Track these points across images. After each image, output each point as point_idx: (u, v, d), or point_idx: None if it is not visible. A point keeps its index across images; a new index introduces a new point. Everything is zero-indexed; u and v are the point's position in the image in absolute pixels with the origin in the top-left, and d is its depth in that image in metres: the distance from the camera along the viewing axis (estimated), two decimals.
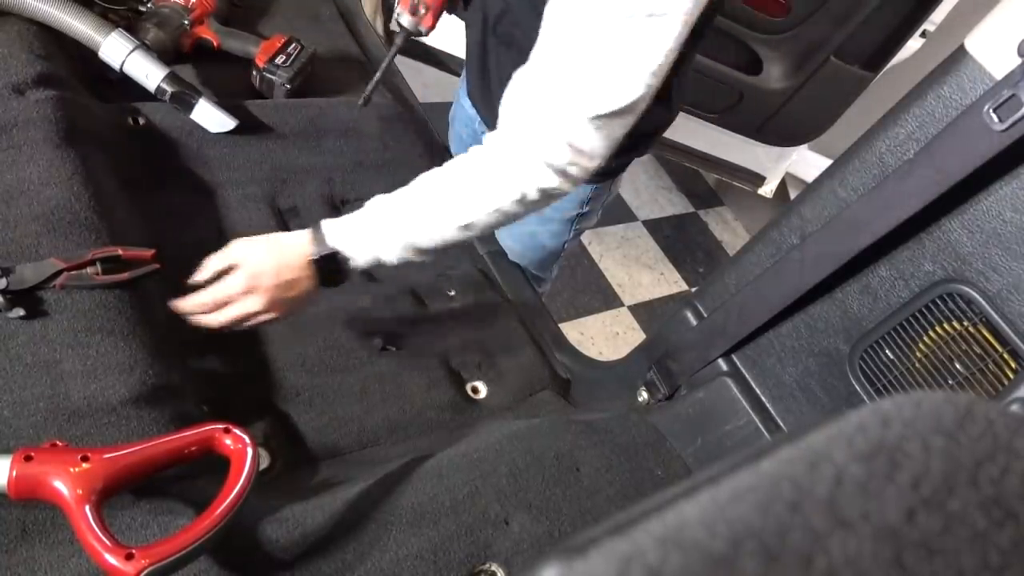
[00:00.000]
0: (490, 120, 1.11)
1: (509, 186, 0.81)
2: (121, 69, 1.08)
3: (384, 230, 0.87)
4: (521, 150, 0.81)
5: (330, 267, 0.87)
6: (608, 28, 0.73)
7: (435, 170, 0.87)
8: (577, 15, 0.75)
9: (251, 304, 0.85)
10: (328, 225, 0.87)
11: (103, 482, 0.65)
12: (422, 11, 1.03)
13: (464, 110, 1.32)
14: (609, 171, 1.20)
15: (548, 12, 0.78)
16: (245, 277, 0.84)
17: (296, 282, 0.86)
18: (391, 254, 0.88)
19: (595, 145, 0.79)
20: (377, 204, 0.88)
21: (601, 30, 0.73)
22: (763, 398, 1.05)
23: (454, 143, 1.44)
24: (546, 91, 0.78)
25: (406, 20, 1.04)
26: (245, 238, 0.88)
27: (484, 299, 1.22)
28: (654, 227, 2.78)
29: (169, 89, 1.09)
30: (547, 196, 0.83)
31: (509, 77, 0.86)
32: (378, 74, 1.09)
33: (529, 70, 0.81)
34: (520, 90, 0.82)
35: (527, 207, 0.84)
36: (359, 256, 0.87)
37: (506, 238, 1.34)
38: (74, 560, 0.66)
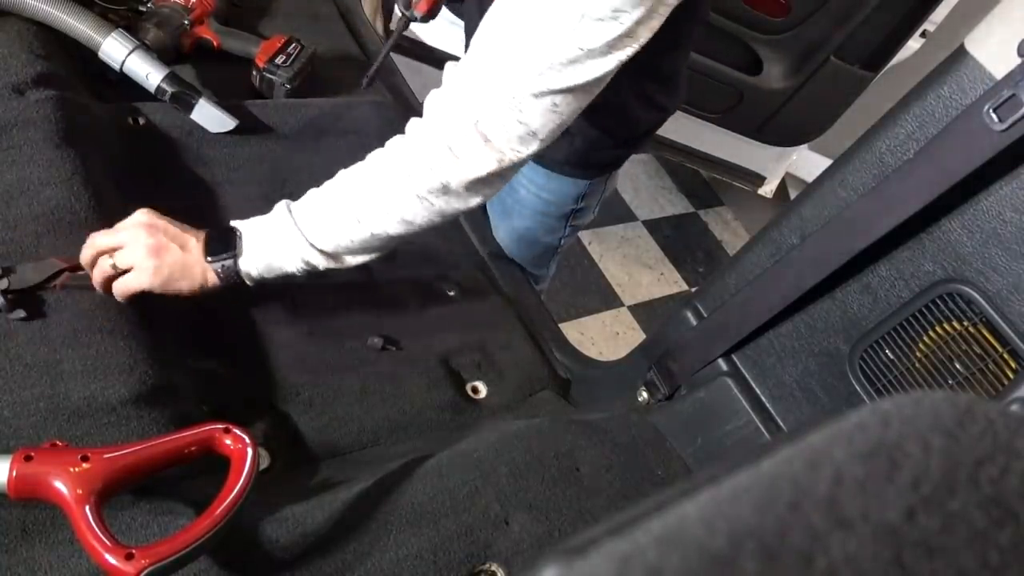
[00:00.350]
0: None
1: (421, 173, 0.76)
2: (121, 69, 1.08)
3: (284, 233, 0.81)
4: (432, 132, 0.75)
5: (228, 272, 0.82)
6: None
7: (346, 172, 0.83)
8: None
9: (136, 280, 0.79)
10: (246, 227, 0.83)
11: (103, 482, 0.65)
12: None
13: None
14: (603, 165, 1.20)
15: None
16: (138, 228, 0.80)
17: (188, 273, 0.81)
18: (290, 261, 0.82)
19: (551, 117, 0.73)
20: (282, 207, 0.83)
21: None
22: (763, 398, 1.05)
23: None
24: (471, 72, 0.73)
25: (403, 4, 1.03)
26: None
27: (484, 299, 1.22)
28: (654, 227, 2.78)
29: (169, 89, 1.09)
30: (471, 186, 0.77)
31: None
32: (380, 57, 1.08)
33: (479, 46, 0.75)
34: (451, 76, 0.77)
35: (451, 200, 0.78)
36: (251, 265, 0.82)
37: (502, 233, 1.34)
38: (74, 560, 0.66)
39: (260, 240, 0.82)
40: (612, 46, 0.69)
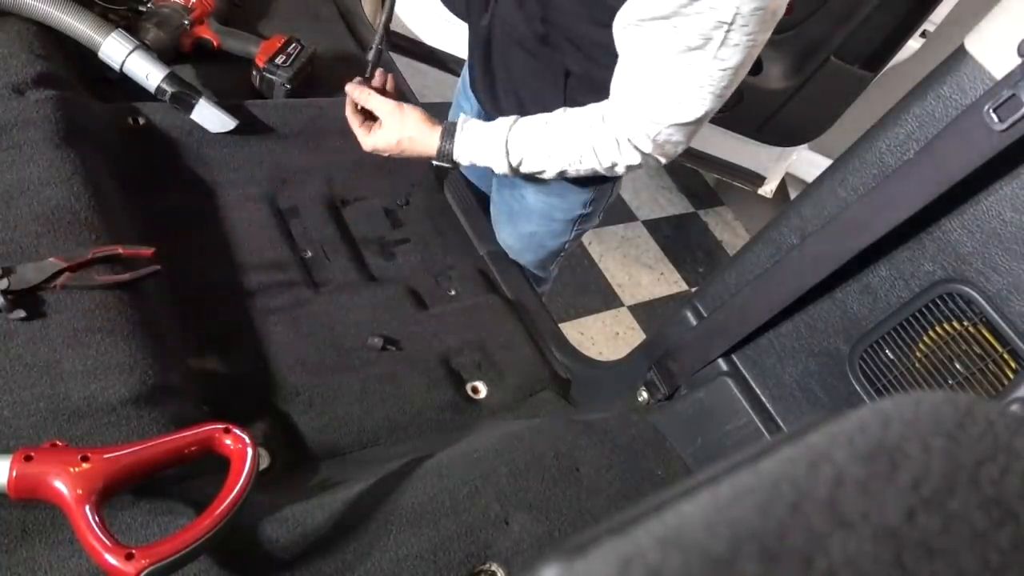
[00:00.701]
0: (494, 113, 1.14)
1: (609, 154, 0.98)
2: (121, 69, 1.08)
3: (497, 150, 1.04)
4: (624, 133, 0.96)
5: (446, 157, 1.07)
6: (673, 57, 0.84)
7: (557, 113, 1.02)
8: (647, 44, 0.86)
9: (377, 139, 1.08)
10: (459, 133, 1.06)
11: (103, 482, 0.65)
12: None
13: (462, 108, 1.32)
14: (607, 176, 1.20)
15: (623, 36, 0.89)
16: (385, 133, 1.07)
17: (413, 152, 1.08)
18: (494, 164, 1.06)
19: (672, 145, 0.96)
20: (504, 128, 1.04)
21: (667, 59, 0.85)
22: (763, 398, 1.05)
23: None
24: (635, 100, 0.93)
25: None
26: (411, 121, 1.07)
27: (484, 299, 1.22)
28: (654, 227, 2.78)
29: (169, 89, 1.09)
30: (629, 169, 1.01)
31: (517, 72, 1.07)
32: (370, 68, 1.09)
33: (622, 79, 0.94)
34: (619, 91, 0.95)
35: (609, 172, 1.02)
36: (464, 158, 1.07)
37: (507, 237, 1.34)
38: (74, 560, 0.66)
39: (473, 141, 1.06)
40: (724, 90, 0.88)
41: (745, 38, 0.80)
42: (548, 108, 1.04)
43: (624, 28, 0.87)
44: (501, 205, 1.34)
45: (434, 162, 1.09)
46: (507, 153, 1.03)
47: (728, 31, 0.79)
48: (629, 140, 0.95)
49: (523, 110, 1.06)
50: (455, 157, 1.06)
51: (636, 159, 0.97)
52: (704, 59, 0.83)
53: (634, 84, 0.92)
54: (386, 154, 1.09)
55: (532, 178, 1.20)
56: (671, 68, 0.86)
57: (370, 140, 1.08)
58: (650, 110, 0.91)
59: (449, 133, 1.06)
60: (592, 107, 1.00)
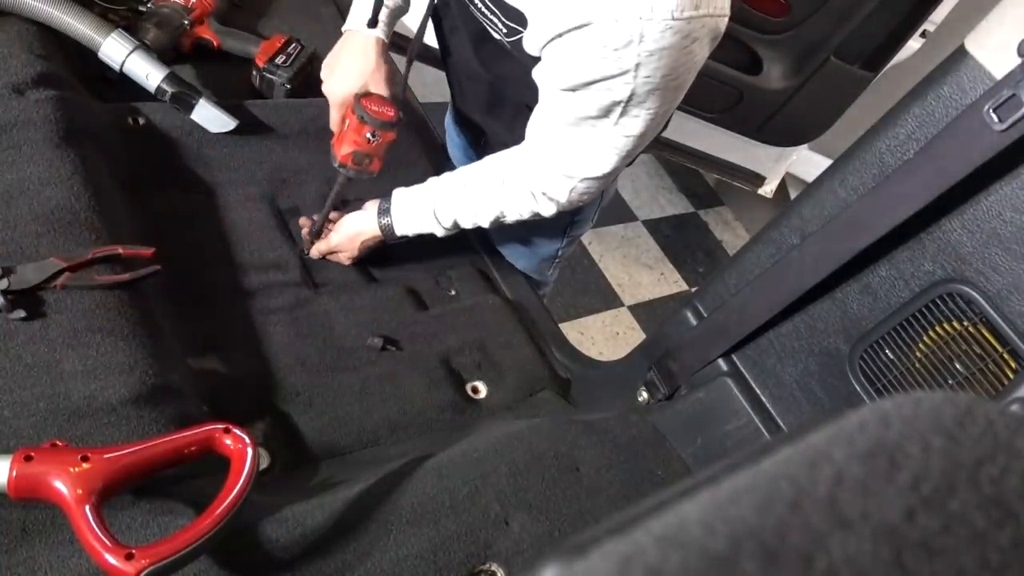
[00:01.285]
0: (464, 133, 1.28)
1: (527, 206, 1.02)
2: (121, 70, 1.08)
3: (429, 211, 1.07)
4: (538, 186, 0.99)
5: (388, 233, 1.10)
6: (579, 122, 0.88)
7: (472, 172, 1.06)
8: (558, 106, 0.89)
9: (342, 257, 1.13)
10: (393, 208, 1.09)
11: (103, 482, 0.65)
12: (366, 162, 1.04)
13: (456, 143, 1.39)
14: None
15: (540, 93, 0.92)
16: (337, 245, 1.11)
17: (367, 243, 1.12)
18: (428, 228, 1.09)
19: (586, 195, 0.99)
20: (433, 188, 1.07)
21: (574, 122, 0.89)
22: (763, 398, 1.05)
23: (450, 146, 1.45)
24: (547, 155, 0.97)
25: (351, 172, 1.03)
26: (350, 217, 1.11)
27: (484, 299, 1.22)
28: (654, 227, 2.78)
29: (169, 89, 1.09)
30: (535, 215, 1.04)
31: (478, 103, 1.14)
32: (328, 203, 1.09)
33: (537, 131, 0.97)
34: (533, 142, 0.99)
35: (520, 218, 1.05)
36: (404, 228, 1.10)
37: (498, 245, 1.34)
38: (74, 560, 0.66)
39: (405, 214, 1.09)
40: (630, 149, 0.91)
41: (645, 112, 0.84)
42: (509, 134, 1.08)
43: (540, 87, 0.91)
44: None
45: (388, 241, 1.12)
46: (438, 221, 1.07)
47: (625, 107, 0.82)
48: (544, 193, 0.99)
49: (485, 135, 1.13)
50: (398, 232, 1.10)
51: (552, 209, 1.01)
52: (606, 127, 0.86)
53: (547, 139, 0.95)
54: (352, 254, 1.13)
55: None
56: (578, 130, 0.89)
57: (324, 247, 1.12)
58: (562, 165, 0.95)
59: (383, 211, 1.09)
60: (499, 163, 1.03)
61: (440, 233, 1.09)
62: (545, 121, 0.94)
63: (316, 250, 1.12)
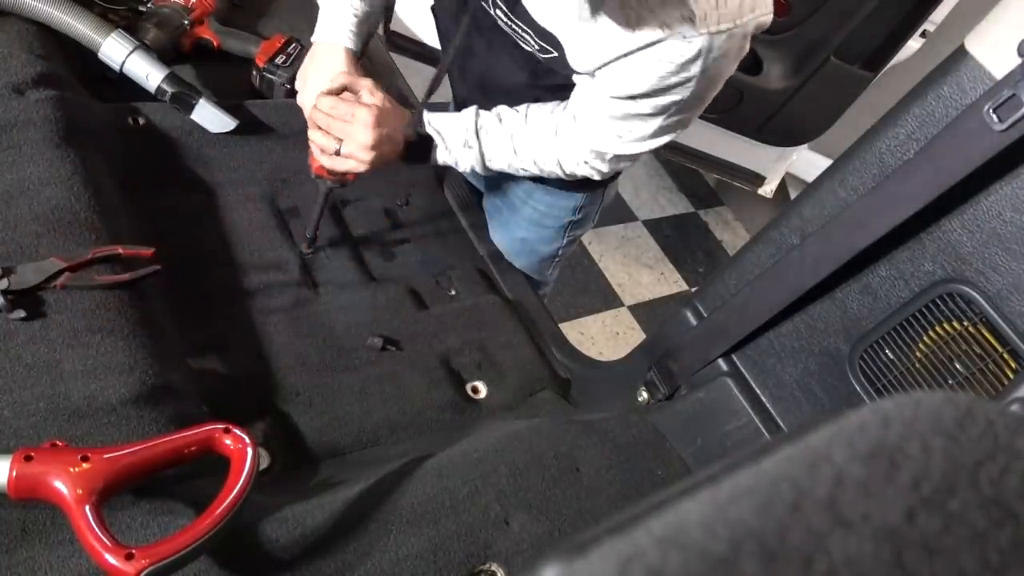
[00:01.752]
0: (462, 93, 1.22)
1: (565, 161, 1.02)
2: (121, 70, 1.08)
3: (464, 145, 1.03)
4: (579, 148, 0.99)
5: (420, 152, 1.04)
6: (628, 120, 0.91)
7: (530, 115, 1.03)
8: (605, 108, 0.92)
9: (353, 138, 0.96)
10: (430, 119, 1.03)
11: (103, 482, 0.65)
12: (349, 178, 1.03)
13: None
14: (601, 181, 1.20)
15: (588, 92, 0.93)
16: (366, 111, 0.95)
17: (391, 143, 0.98)
18: (465, 163, 1.05)
19: (613, 168, 1.02)
20: (469, 119, 1.03)
21: (622, 120, 0.91)
22: (763, 398, 1.05)
23: None
24: (594, 127, 0.96)
25: (327, 184, 1.03)
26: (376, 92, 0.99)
27: (484, 299, 1.22)
28: (654, 227, 2.78)
29: (170, 90, 1.09)
30: (574, 176, 1.04)
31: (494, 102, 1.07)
32: (316, 215, 1.08)
33: (583, 107, 0.97)
34: (578, 114, 0.98)
35: (561, 174, 1.05)
36: (444, 155, 1.04)
37: (499, 242, 1.34)
38: (74, 560, 0.66)
39: (445, 151, 1.04)
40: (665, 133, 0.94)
41: (698, 104, 0.89)
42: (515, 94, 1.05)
43: (589, 90, 0.93)
44: (492, 210, 1.34)
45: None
46: (475, 145, 1.03)
47: (682, 106, 0.87)
48: (584, 161, 1.00)
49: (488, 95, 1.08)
50: (437, 153, 1.04)
51: (587, 172, 1.02)
52: (657, 122, 0.90)
53: (590, 123, 0.96)
54: (364, 158, 0.97)
55: (521, 184, 1.21)
56: (625, 123, 0.92)
57: (357, 138, 0.96)
58: (600, 143, 0.97)
59: (415, 122, 1.02)
60: (551, 116, 1.02)
61: (466, 164, 1.05)
62: (591, 110, 0.95)
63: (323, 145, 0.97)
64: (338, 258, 1.14)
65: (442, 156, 1.05)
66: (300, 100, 1.06)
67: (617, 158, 1.00)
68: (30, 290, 0.79)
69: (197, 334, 0.93)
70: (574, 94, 0.98)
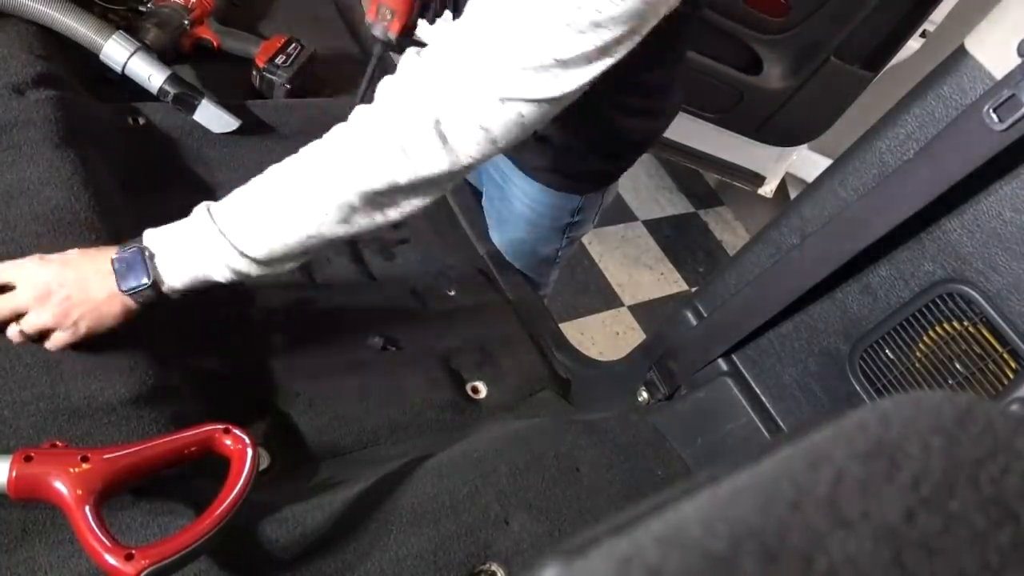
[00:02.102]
0: None
1: (368, 169, 0.70)
2: (123, 71, 1.08)
3: (207, 242, 0.73)
4: (386, 128, 0.69)
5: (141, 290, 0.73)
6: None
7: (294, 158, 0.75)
8: None
9: (37, 319, 0.72)
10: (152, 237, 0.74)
11: (103, 482, 0.65)
12: (388, 16, 0.97)
13: None
14: (595, 179, 1.20)
15: None
16: (29, 288, 0.72)
17: (96, 298, 0.73)
18: (216, 271, 0.74)
19: (513, 127, 0.69)
20: (202, 209, 0.75)
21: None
22: (763, 398, 1.05)
23: None
24: (478, 50, 0.67)
25: (377, 30, 1.01)
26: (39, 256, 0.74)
27: (484, 299, 1.22)
28: (654, 227, 2.78)
29: (172, 91, 1.09)
30: (420, 185, 0.72)
31: None
32: (364, 83, 1.07)
33: (449, 35, 0.70)
34: (412, 66, 0.72)
35: (398, 199, 0.73)
36: (174, 282, 0.74)
37: (498, 243, 1.33)
38: (74, 560, 0.66)
39: (179, 254, 0.74)
40: (587, 59, 0.66)
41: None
42: None
43: None
44: (491, 211, 1.33)
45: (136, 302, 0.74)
46: (232, 246, 0.73)
47: None
48: (440, 121, 0.69)
49: None
50: (167, 280, 0.75)
51: (436, 162, 0.70)
52: None
53: (478, 22, 0.68)
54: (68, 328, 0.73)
55: (519, 184, 1.19)
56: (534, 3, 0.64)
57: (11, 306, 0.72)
58: (499, 60, 0.66)
59: (123, 254, 0.74)
60: (327, 138, 0.74)
61: (254, 272, 0.74)
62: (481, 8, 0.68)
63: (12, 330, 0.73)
64: (338, 258, 1.14)
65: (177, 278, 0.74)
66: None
67: (507, 115, 0.69)
68: None
69: (197, 334, 0.93)
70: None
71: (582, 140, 1.09)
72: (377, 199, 0.73)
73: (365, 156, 0.71)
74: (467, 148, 0.70)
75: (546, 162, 1.11)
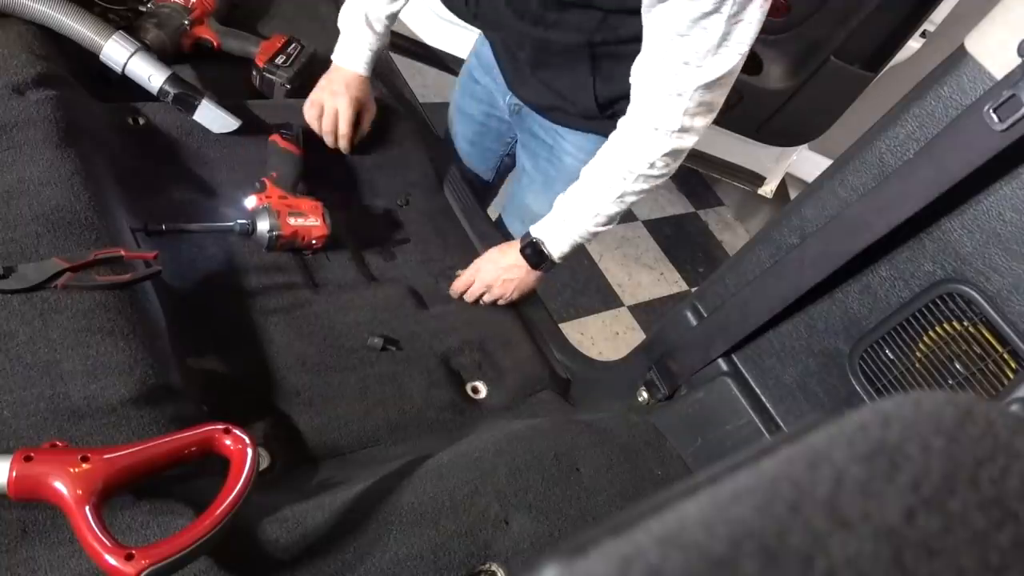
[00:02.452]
0: (534, 105, 1.26)
1: (639, 156, 1.00)
2: (123, 72, 1.08)
3: (564, 221, 1.11)
4: (644, 124, 0.98)
5: (537, 256, 1.15)
6: (691, 28, 0.87)
7: (591, 163, 1.08)
8: (673, 14, 0.88)
9: (495, 293, 1.19)
10: (533, 228, 1.15)
11: (103, 482, 0.65)
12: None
13: (477, 85, 1.38)
14: None
15: (650, 17, 0.91)
16: (481, 284, 1.19)
17: (515, 271, 1.17)
18: (572, 239, 1.12)
19: (690, 118, 0.95)
20: (558, 201, 1.12)
21: (684, 33, 0.88)
22: (763, 398, 1.05)
23: (459, 119, 1.47)
24: (659, 73, 0.94)
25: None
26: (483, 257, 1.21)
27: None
28: (654, 227, 2.78)
29: (172, 91, 1.09)
30: (672, 158, 1.00)
31: (547, 65, 1.11)
32: None
33: (644, 61, 0.96)
34: (640, 77, 0.97)
35: (659, 173, 1.02)
36: (554, 246, 1.13)
37: (543, 206, 1.32)
38: (74, 560, 0.66)
39: (557, 243, 1.14)
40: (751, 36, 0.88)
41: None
42: (577, 84, 1.09)
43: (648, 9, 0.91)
44: (535, 175, 1.35)
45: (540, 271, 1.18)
46: (584, 222, 1.08)
47: None
48: (657, 129, 0.96)
49: (551, 91, 1.13)
50: (552, 250, 1.14)
51: (669, 145, 0.98)
52: (718, 21, 0.85)
53: (657, 54, 0.93)
54: (499, 288, 1.19)
55: (569, 140, 1.25)
56: (690, 37, 0.87)
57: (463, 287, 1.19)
58: (673, 82, 0.92)
59: (526, 243, 1.15)
60: (612, 139, 1.04)
61: (593, 227, 1.10)
62: (653, 46, 0.93)
63: (469, 293, 1.19)
64: (338, 258, 1.14)
65: (556, 247, 1.14)
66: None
67: (695, 102, 0.94)
68: (30, 289, 0.79)
69: (197, 334, 0.93)
70: (637, 61, 0.97)
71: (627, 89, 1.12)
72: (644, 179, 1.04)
73: (626, 171, 1.03)
74: (685, 132, 0.97)
75: (595, 113, 1.15)
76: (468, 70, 1.42)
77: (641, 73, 0.97)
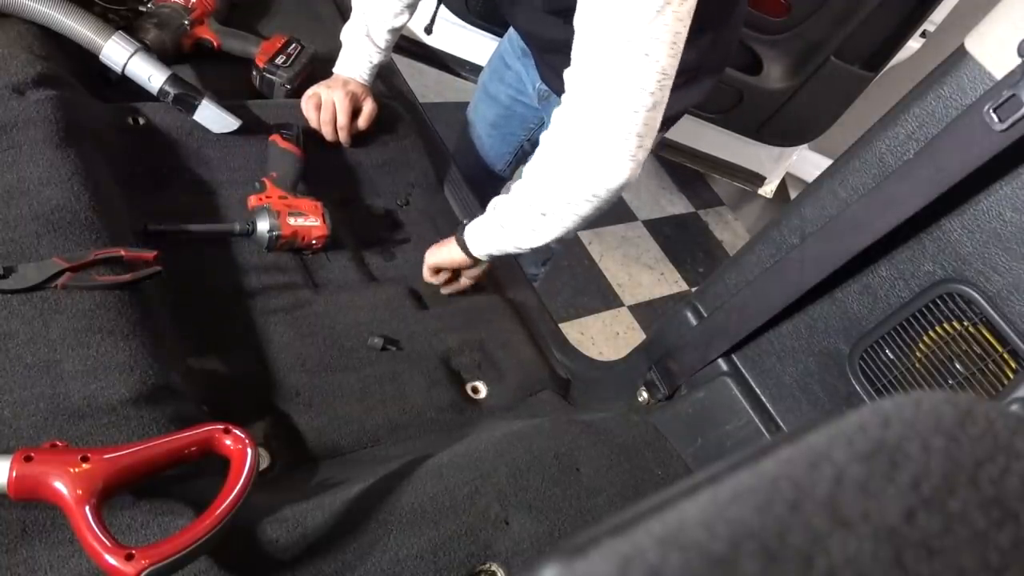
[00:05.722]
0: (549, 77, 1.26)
1: (581, 177, 0.91)
2: (123, 72, 1.08)
3: (491, 229, 1.05)
4: (588, 143, 0.89)
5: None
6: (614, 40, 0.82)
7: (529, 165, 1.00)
8: (593, 38, 0.85)
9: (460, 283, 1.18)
10: (465, 231, 1.10)
11: (103, 482, 0.65)
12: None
13: (507, 70, 1.41)
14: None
15: (577, 27, 0.87)
16: (443, 276, 1.17)
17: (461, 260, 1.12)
18: (500, 247, 1.06)
19: (635, 138, 0.87)
20: (492, 204, 1.06)
21: (609, 47, 0.83)
22: (763, 398, 1.05)
23: (484, 102, 1.49)
24: (593, 98, 0.87)
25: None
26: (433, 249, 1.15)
27: (484, 299, 1.22)
28: (654, 227, 2.78)
29: (172, 91, 1.09)
30: (605, 188, 0.91)
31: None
32: None
33: (574, 78, 0.90)
34: (571, 95, 0.91)
35: (599, 203, 0.94)
36: (480, 252, 1.08)
37: None
38: (74, 560, 0.66)
39: (481, 241, 1.08)
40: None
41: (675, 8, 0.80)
42: None
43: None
44: None
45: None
46: (510, 239, 1.02)
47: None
48: (603, 147, 0.88)
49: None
50: (476, 253, 1.09)
51: (616, 165, 0.89)
52: (641, 29, 0.81)
53: (585, 76, 0.87)
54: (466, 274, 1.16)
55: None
56: (614, 49, 0.83)
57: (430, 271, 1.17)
58: (609, 100, 0.85)
59: (460, 237, 1.10)
60: (538, 159, 0.97)
61: (524, 246, 1.03)
62: (581, 53, 0.87)
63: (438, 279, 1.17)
64: (338, 258, 1.14)
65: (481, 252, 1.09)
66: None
67: (632, 126, 0.86)
68: (30, 289, 0.79)
69: (197, 334, 0.93)
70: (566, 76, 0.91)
71: None
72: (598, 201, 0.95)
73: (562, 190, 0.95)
74: (619, 151, 0.89)
75: None
76: (500, 54, 1.43)
77: (573, 84, 0.90)
